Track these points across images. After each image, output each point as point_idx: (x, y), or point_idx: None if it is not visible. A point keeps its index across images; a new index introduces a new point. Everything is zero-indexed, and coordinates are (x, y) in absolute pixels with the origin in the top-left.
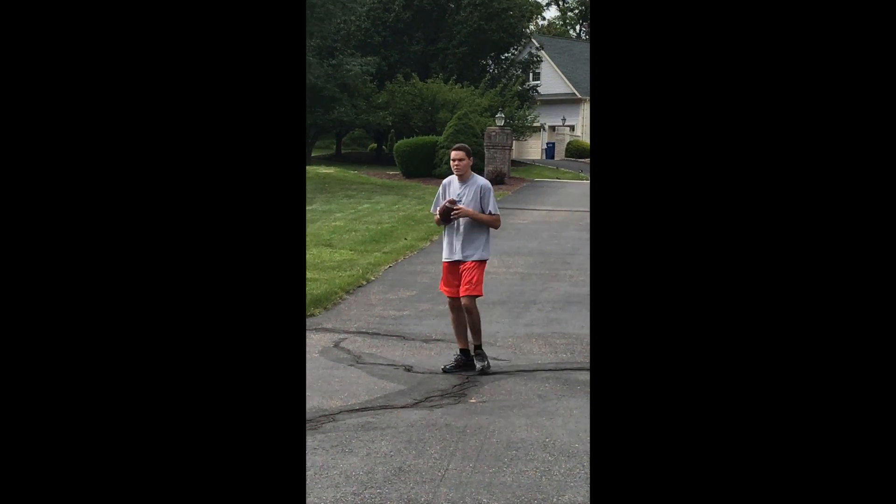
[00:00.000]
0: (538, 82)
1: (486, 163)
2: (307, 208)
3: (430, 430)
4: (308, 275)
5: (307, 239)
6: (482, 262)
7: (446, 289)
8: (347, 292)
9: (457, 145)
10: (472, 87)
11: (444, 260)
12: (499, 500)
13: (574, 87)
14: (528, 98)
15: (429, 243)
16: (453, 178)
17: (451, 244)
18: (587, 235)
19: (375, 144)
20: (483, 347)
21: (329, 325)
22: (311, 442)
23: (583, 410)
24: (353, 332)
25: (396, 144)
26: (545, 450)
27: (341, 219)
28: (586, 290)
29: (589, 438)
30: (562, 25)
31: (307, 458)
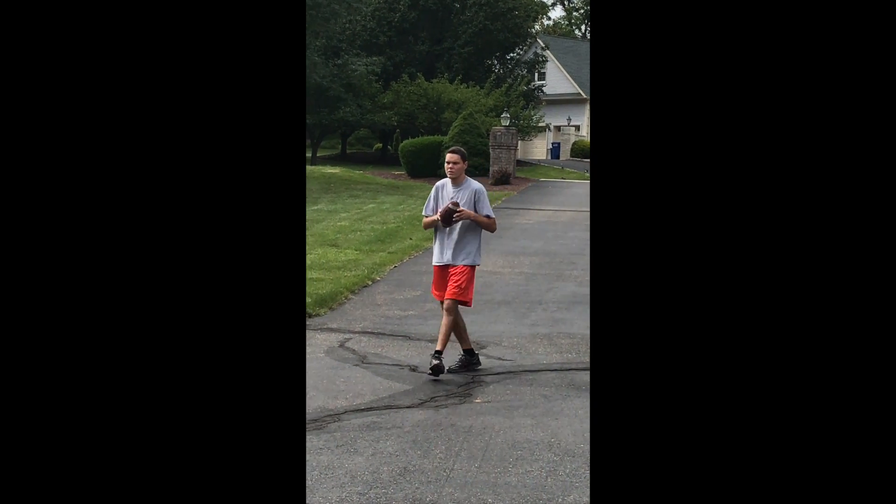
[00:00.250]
0: (543, 82)
1: (491, 163)
2: (313, 208)
3: (435, 430)
4: (313, 275)
5: (312, 239)
6: (473, 268)
7: (437, 293)
8: (353, 292)
9: (453, 148)
10: (478, 87)
11: (435, 264)
12: (504, 500)
13: (579, 87)
14: (534, 98)
15: (434, 244)
16: (446, 182)
17: (442, 248)
18: None
19: (381, 144)
20: (467, 353)
21: (334, 325)
22: (316, 442)
23: (588, 411)
24: (359, 332)
25: (402, 144)
26: (550, 450)
27: (346, 219)
28: None
29: None
30: (567, 25)
31: (313, 458)
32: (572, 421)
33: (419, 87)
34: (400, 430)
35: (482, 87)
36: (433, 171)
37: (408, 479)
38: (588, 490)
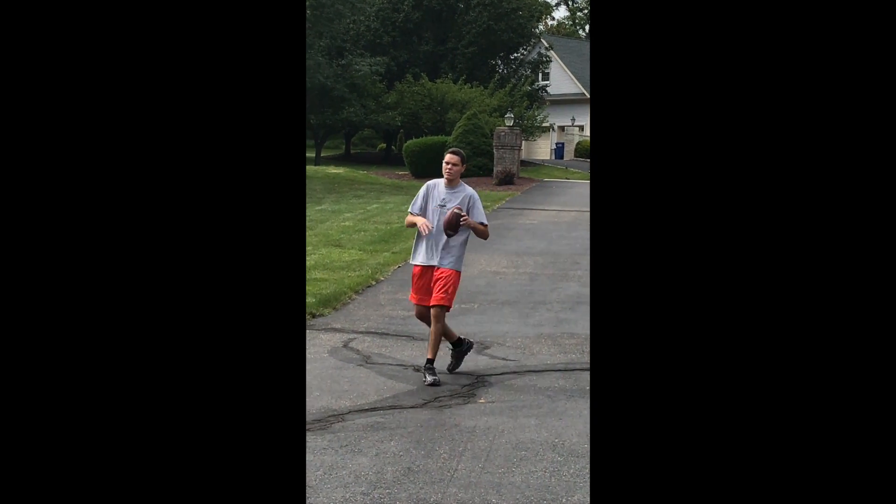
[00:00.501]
0: (547, 82)
1: (494, 163)
2: (316, 208)
3: (439, 430)
4: (317, 275)
5: (316, 239)
6: (458, 273)
7: (418, 296)
8: (356, 292)
9: (453, 149)
10: (482, 88)
11: (418, 264)
12: (508, 500)
13: (583, 87)
14: (538, 98)
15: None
16: (439, 182)
17: (429, 249)
18: None
19: (384, 144)
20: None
21: (338, 325)
22: (320, 442)
23: None
24: (363, 333)
25: (406, 144)
26: (554, 450)
27: (350, 219)
28: None
29: None
30: (571, 25)
31: (317, 458)
32: (576, 421)
33: (423, 87)
34: (404, 430)
35: (486, 88)
36: (437, 171)
37: (412, 479)
38: None
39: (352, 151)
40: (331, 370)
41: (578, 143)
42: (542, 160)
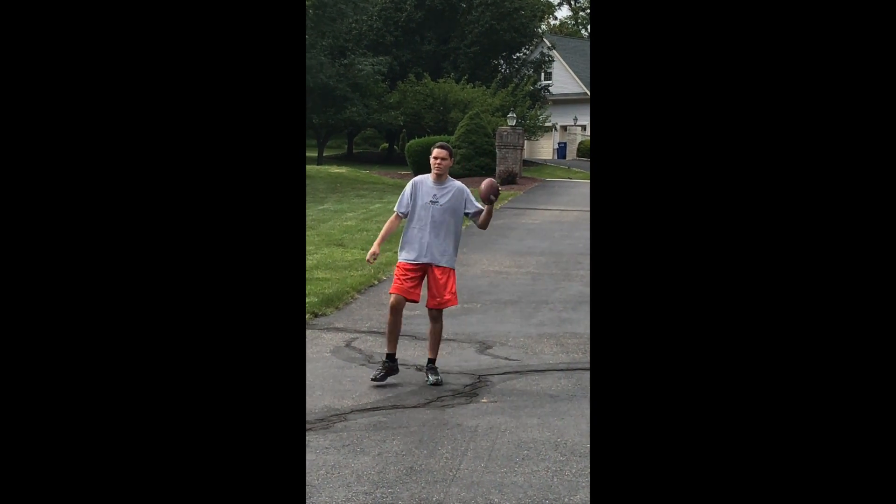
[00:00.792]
0: (550, 82)
1: (497, 162)
2: (319, 208)
3: (441, 429)
4: (319, 274)
5: (319, 238)
6: (454, 270)
7: (403, 288)
8: (359, 292)
9: (440, 143)
10: (484, 87)
11: (411, 261)
12: (510, 499)
13: (585, 86)
14: (540, 98)
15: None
16: (425, 179)
17: (422, 245)
18: None
19: (387, 144)
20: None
21: (340, 325)
22: (322, 441)
23: None
24: (365, 332)
25: (408, 144)
26: (557, 450)
27: (353, 218)
28: None
29: None
30: (573, 25)
31: (319, 457)
32: (578, 421)
33: (425, 86)
34: (406, 429)
35: (488, 87)
36: None
37: (414, 478)
38: None
39: (354, 151)
40: (333, 370)
41: (581, 143)
42: (545, 160)
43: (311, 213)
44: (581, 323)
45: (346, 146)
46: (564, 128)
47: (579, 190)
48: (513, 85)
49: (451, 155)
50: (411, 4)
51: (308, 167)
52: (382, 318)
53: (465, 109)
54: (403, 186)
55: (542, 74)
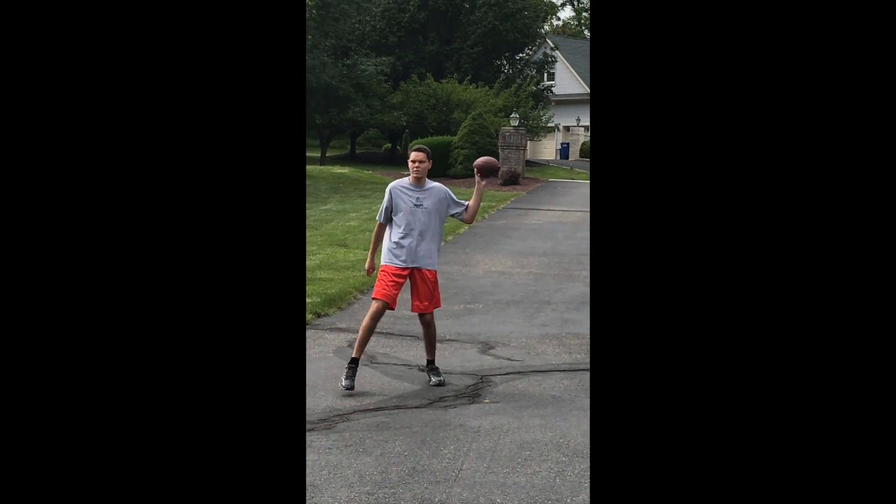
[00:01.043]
0: (553, 82)
1: (500, 163)
2: (322, 208)
3: (443, 430)
4: (322, 275)
5: (322, 239)
6: (436, 273)
7: (384, 292)
8: (361, 292)
9: (418, 146)
10: (487, 88)
11: (398, 266)
12: (513, 500)
13: (588, 87)
14: (543, 98)
15: (443, 243)
16: (403, 182)
17: (410, 249)
18: None
19: (390, 144)
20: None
21: (343, 325)
22: (325, 441)
23: None
24: None
25: (411, 144)
26: (559, 450)
27: (356, 219)
28: None
29: None
30: (576, 26)
31: (321, 457)
32: (581, 421)
33: (428, 87)
34: (409, 430)
35: (491, 88)
36: (442, 171)
37: (416, 479)
38: None
39: (357, 151)
40: (336, 370)
41: (583, 144)
42: (548, 160)
43: (314, 213)
44: (583, 323)
45: (349, 146)
46: (567, 128)
47: (582, 191)
48: (516, 85)
49: (429, 157)
50: (414, 5)
51: (311, 167)
52: (385, 319)
53: (467, 110)
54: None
55: (545, 75)
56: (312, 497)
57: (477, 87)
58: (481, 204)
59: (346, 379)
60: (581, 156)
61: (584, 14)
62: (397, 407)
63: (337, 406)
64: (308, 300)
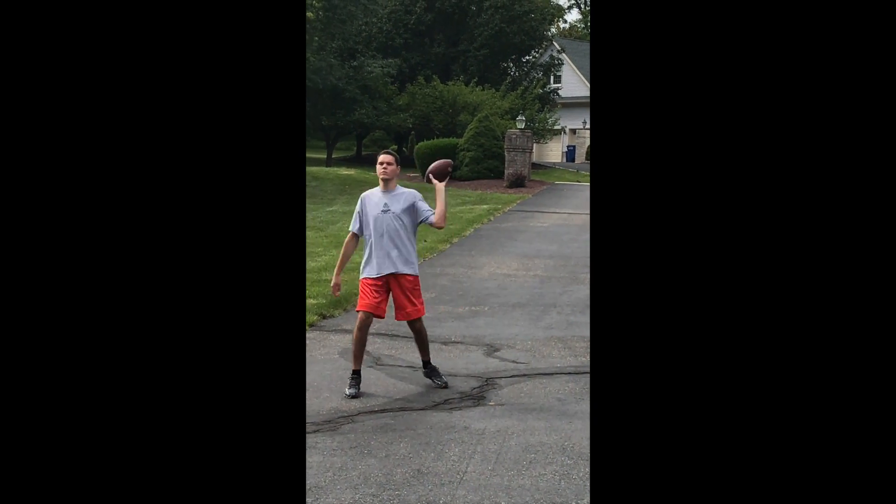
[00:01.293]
0: (559, 85)
1: (506, 165)
2: (328, 209)
3: (448, 432)
4: (328, 276)
5: (328, 240)
6: (418, 278)
7: (370, 304)
8: None
9: (386, 150)
10: (493, 90)
11: (371, 276)
12: (517, 503)
13: None
14: (549, 101)
15: (448, 245)
16: (373, 191)
17: (381, 257)
18: None
19: (396, 146)
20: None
21: (348, 327)
22: (329, 443)
23: None
24: (373, 334)
25: (417, 146)
26: (564, 453)
27: None
28: None
29: None
30: (583, 28)
31: (326, 459)
32: (586, 425)
33: (435, 89)
34: (413, 432)
35: (498, 90)
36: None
37: (421, 481)
38: None
39: (363, 153)
40: (341, 371)
41: (590, 146)
42: (554, 163)
43: (320, 214)
44: (589, 326)
45: (355, 148)
46: (573, 131)
47: (587, 193)
48: (522, 88)
49: (397, 162)
50: (421, 7)
51: (317, 169)
52: (390, 321)
53: (474, 112)
54: (410, 188)
55: (552, 77)
56: (317, 499)
57: (483, 90)
58: (485, 206)
59: (349, 388)
60: (587, 159)
61: (590, 17)
62: (402, 409)
63: (342, 408)
64: (313, 301)
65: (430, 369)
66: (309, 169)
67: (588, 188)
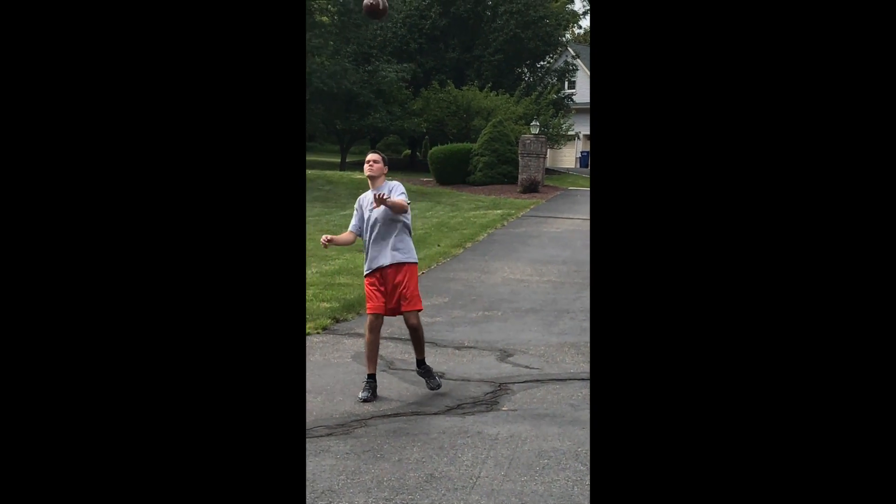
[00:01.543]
0: (573, 91)
1: (520, 171)
2: (340, 213)
3: (461, 437)
4: (341, 280)
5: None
6: (415, 265)
7: (374, 304)
8: None
9: (374, 150)
10: (508, 95)
11: (369, 272)
12: None
13: None
14: (563, 106)
15: (462, 250)
16: (367, 193)
17: (374, 251)
18: None
19: (409, 151)
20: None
21: (361, 330)
22: (342, 447)
23: None
24: (386, 338)
25: (430, 151)
26: (577, 459)
27: None
28: None
29: None
30: None
31: (339, 462)
32: None
33: (449, 94)
34: (426, 436)
35: (512, 95)
36: (462, 178)
37: (434, 485)
38: None
39: None
40: (354, 375)
41: None
42: (567, 168)
43: (334, 218)
44: None
45: (369, 152)
46: (587, 136)
47: None
48: (536, 93)
49: (384, 161)
50: (436, 12)
51: (331, 173)
52: (403, 325)
53: (488, 117)
54: (425, 193)
55: (566, 83)
56: (330, 502)
57: (497, 95)
58: (498, 211)
59: (363, 392)
60: None
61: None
62: (415, 413)
63: (355, 411)
64: (327, 305)
65: (424, 369)
66: (323, 173)
67: None
